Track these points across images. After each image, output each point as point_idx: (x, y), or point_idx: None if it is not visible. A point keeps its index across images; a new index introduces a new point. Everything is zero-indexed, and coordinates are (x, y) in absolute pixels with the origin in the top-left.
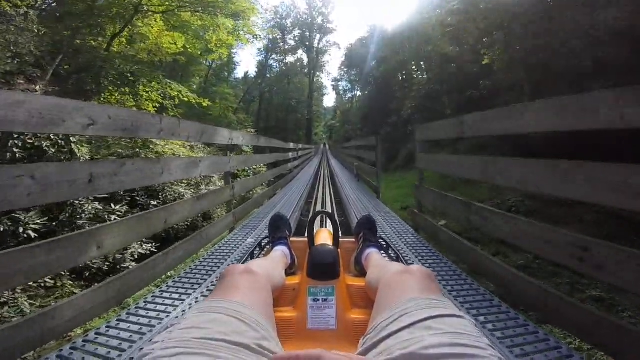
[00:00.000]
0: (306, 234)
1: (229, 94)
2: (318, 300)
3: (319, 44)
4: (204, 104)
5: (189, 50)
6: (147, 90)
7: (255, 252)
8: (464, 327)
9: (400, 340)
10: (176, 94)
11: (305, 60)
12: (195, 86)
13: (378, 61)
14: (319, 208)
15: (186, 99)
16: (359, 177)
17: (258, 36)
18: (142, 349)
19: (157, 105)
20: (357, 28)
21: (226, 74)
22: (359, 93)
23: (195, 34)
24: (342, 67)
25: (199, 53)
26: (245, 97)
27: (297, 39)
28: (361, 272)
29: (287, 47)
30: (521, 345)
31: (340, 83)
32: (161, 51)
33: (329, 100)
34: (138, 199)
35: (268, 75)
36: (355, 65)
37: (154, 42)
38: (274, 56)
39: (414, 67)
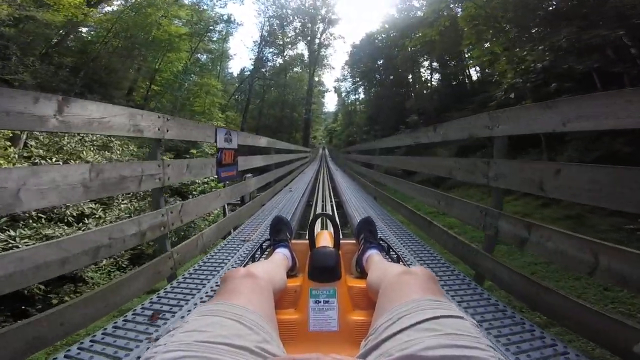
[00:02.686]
0: (307, 236)
1: (215, 87)
2: (320, 302)
3: (321, 36)
4: None
5: None
6: None
7: (257, 255)
8: (464, 327)
9: (400, 342)
10: None
11: (306, 55)
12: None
13: (386, 59)
14: None
15: None
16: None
17: None
18: (139, 357)
19: None
20: (364, 21)
21: (218, 67)
22: (362, 95)
23: None
24: (346, 67)
25: None
26: (236, 94)
27: (297, 30)
28: (362, 274)
29: (286, 39)
30: (527, 351)
31: (342, 84)
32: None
33: (330, 103)
34: None
35: (263, 70)
36: (361, 63)
37: None
38: (271, 49)
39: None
